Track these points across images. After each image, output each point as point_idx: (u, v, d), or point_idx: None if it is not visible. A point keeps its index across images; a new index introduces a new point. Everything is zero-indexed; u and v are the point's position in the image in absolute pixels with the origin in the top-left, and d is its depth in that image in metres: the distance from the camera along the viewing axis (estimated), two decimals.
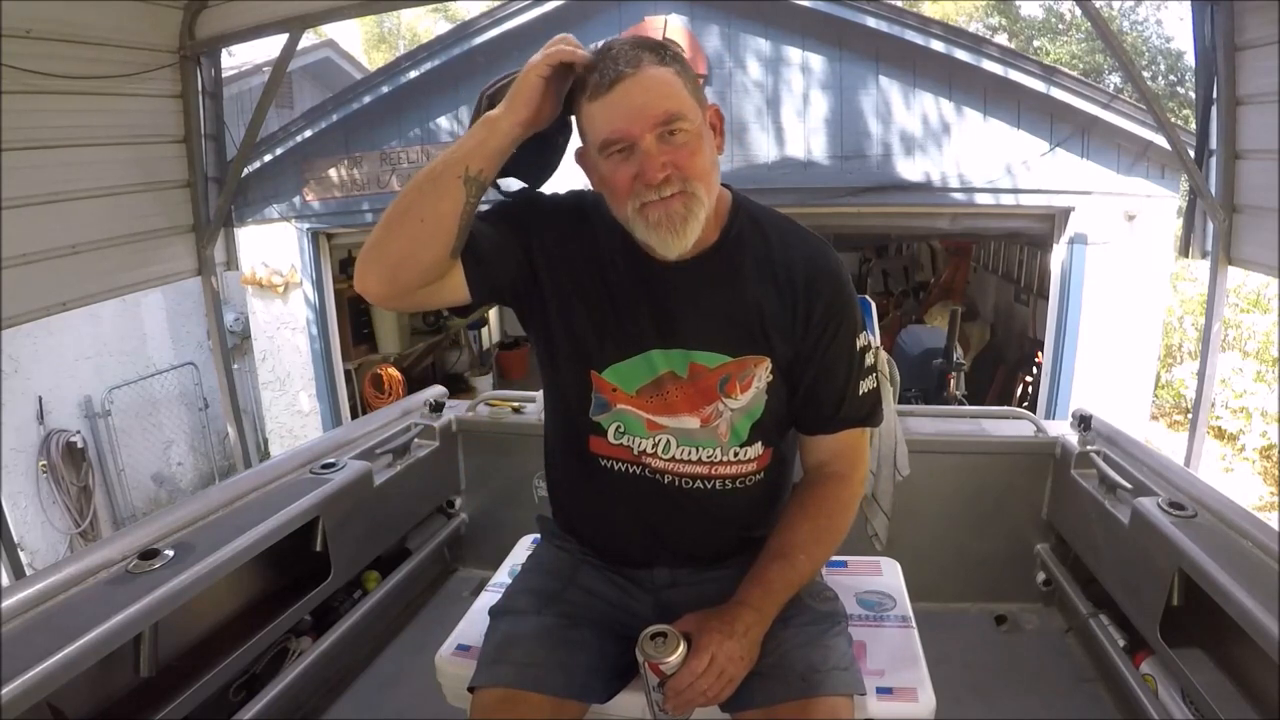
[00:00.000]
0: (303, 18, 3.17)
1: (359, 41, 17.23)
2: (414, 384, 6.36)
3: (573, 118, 0.98)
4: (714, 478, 1.07)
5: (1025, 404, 5.69)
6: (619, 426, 1.06)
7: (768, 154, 4.82)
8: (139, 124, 3.17)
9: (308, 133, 5.26)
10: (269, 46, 4.71)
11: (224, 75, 3.58)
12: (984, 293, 8.13)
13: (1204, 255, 3.12)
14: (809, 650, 1.03)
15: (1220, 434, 6.49)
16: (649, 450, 1.06)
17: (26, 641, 1.18)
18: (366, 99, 5.16)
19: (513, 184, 1.05)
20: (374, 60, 14.60)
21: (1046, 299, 5.11)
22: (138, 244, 3.29)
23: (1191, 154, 3.07)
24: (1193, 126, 3.14)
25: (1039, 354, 5.49)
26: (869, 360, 1.09)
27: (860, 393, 1.07)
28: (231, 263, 3.85)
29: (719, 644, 0.94)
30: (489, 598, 1.30)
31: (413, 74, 5.05)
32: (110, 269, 3.19)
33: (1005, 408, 3.06)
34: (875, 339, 1.35)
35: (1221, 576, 1.33)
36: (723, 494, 1.08)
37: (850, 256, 9.88)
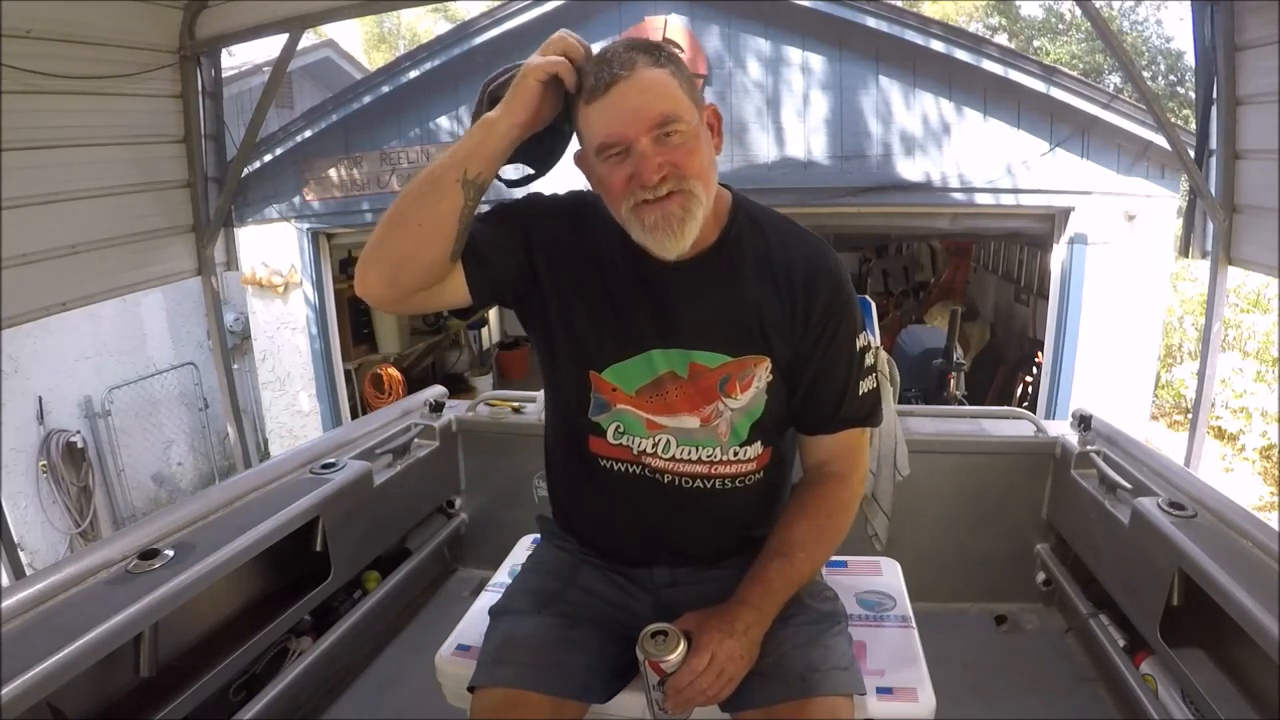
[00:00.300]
0: (303, 18, 3.17)
1: (359, 41, 17.24)
2: (414, 384, 6.36)
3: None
4: (714, 477, 1.07)
5: (1025, 404, 5.69)
6: (618, 426, 1.06)
7: (768, 154, 4.82)
8: (139, 124, 3.17)
9: (308, 133, 5.26)
10: (269, 46, 4.71)
11: (224, 75, 3.58)
12: (984, 293, 8.13)
13: (1204, 255, 3.12)
14: (809, 650, 1.03)
15: (1220, 434, 6.49)
16: (649, 450, 1.06)
17: (26, 641, 1.18)
18: (366, 99, 5.16)
19: (509, 171, 1.04)
20: (374, 60, 14.60)
21: (1046, 299, 5.11)
22: (138, 244, 3.29)
23: (1191, 154, 3.07)
24: (1193, 126, 3.14)
25: (1039, 354, 5.49)
26: (869, 360, 1.09)
27: (860, 393, 1.07)
28: (231, 263, 3.85)
29: (719, 643, 0.94)
30: (489, 598, 1.30)
31: (413, 74, 5.05)
32: (110, 269, 3.19)
33: (1005, 408, 3.06)
34: (875, 339, 1.35)
35: (1221, 576, 1.33)
36: (722, 493, 1.08)
37: (850, 256, 9.88)
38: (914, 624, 1.31)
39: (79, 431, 5.71)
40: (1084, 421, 2.05)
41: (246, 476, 1.83)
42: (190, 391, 6.77)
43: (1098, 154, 4.52)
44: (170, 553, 1.43)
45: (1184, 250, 3.29)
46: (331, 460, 1.93)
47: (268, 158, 5.28)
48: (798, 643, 1.04)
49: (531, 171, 1.06)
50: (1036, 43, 14.23)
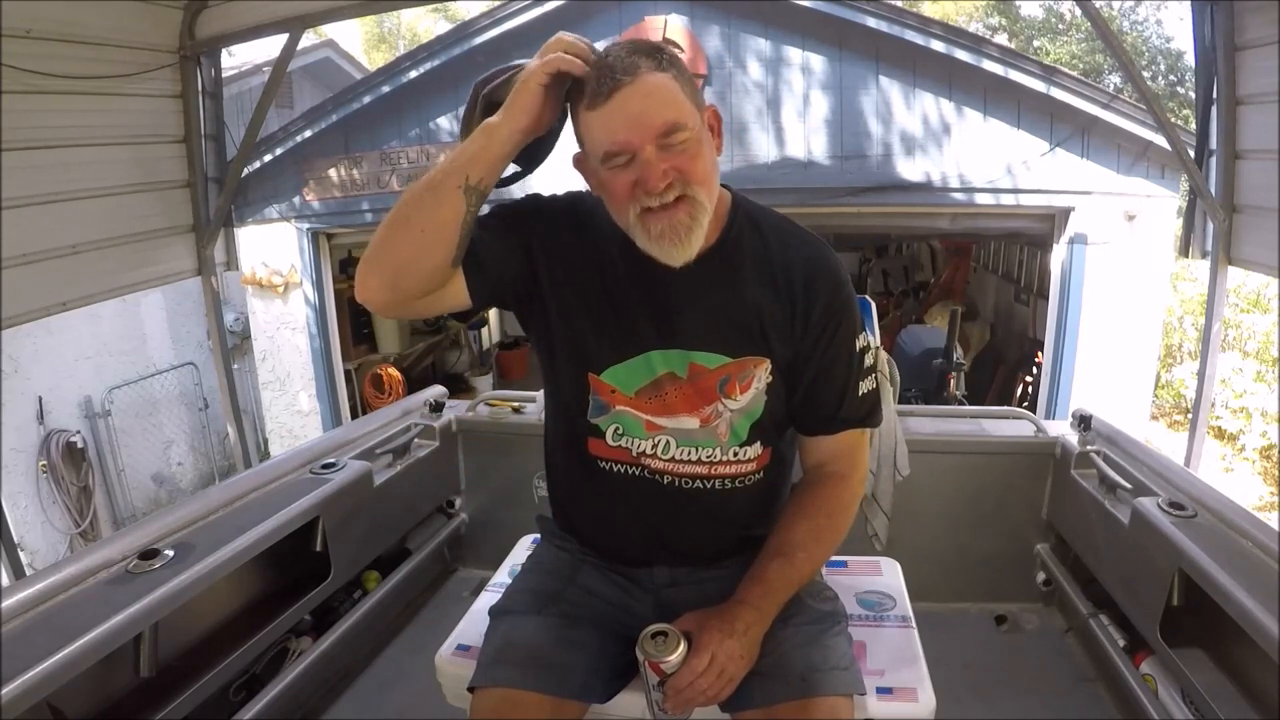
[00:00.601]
0: (303, 18, 3.17)
1: (359, 41, 17.24)
2: (414, 384, 6.36)
3: (567, 105, 0.97)
4: (713, 477, 1.07)
5: (1025, 404, 5.69)
6: (617, 428, 1.06)
7: (768, 154, 4.82)
8: (139, 124, 3.17)
9: (308, 133, 5.26)
10: (269, 46, 4.71)
11: (224, 75, 3.58)
12: (984, 293, 8.13)
13: (1204, 255, 3.12)
14: (809, 650, 1.03)
15: (1220, 434, 6.49)
16: (648, 451, 1.06)
17: (26, 641, 1.18)
18: (366, 99, 5.16)
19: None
20: (374, 60, 14.60)
21: (1046, 299, 5.11)
22: (138, 244, 3.29)
23: (1191, 154, 3.07)
24: (1193, 126, 3.14)
25: (1039, 354, 5.49)
26: (869, 361, 1.08)
27: (860, 393, 1.07)
28: (231, 263, 3.85)
29: (719, 643, 0.94)
30: (489, 598, 1.30)
31: (413, 74, 5.05)
32: (110, 269, 3.19)
33: (1005, 408, 3.06)
34: (875, 339, 1.35)
35: (1221, 576, 1.33)
36: (722, 494, 1.08)
37: (850, 256, 9.88)
38: (914, 624, 1.31)
39: (79, 431, 5.71)
40: (1084, 421, 2.05)
41: (246, 476, 1.83)
42: (190, 391, 6.77)
43: (1098, 154, 4.52)
44: (170, 553, 1.43)
45: (1184, 250, 3.29)
46: (331, 460, 1.93)
47: (268, 158, 5.28)
48: (798, 643, 1.04)
49: (519, 169, 1.05)
50: (1036, 43, 14.23)
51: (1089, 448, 1.94)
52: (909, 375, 5.09)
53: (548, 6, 4.70)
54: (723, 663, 0.94)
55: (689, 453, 1.06)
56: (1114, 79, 12.35)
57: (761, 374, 1.04)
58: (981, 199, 4.73)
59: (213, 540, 1.51)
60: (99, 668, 1.25)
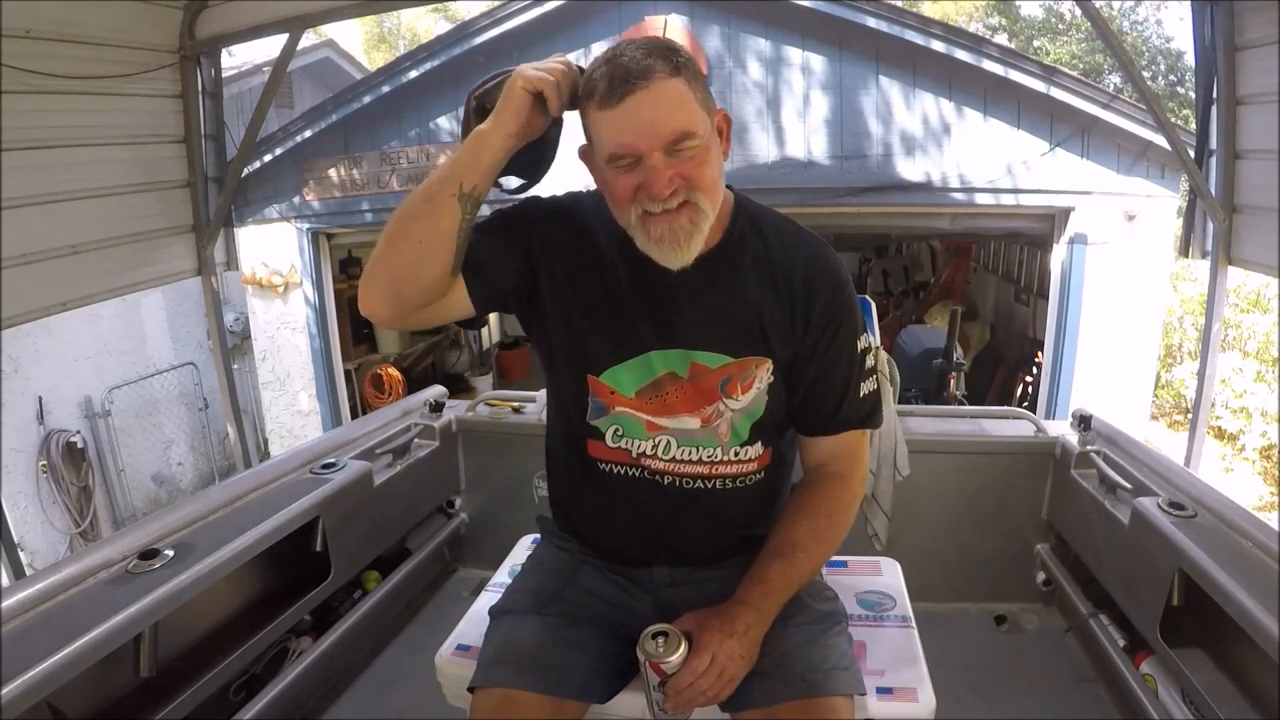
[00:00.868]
0: (303, 18, 3.17)
1: (359, 41, 17.24)
2: (414, 384, 6.37)
3: (565, 115, 0.96)
4: (714, 477, 1.07)
5: (1025, 404, 5.69)
6: (617, 429, 1.06)
7: (768, 154, 4.82)
8: (139, 124, 3.17)
9: (308, 133, 5.26)
10: (269, 46, 4.71)
11: (224, 75, 3.58)
12: (984, 293, 8.13)
13: (1204, 255, 3.12)
14: (809, 650, 1.03)
15: (1220, 434, 6.49)
16: (648, 452, 1.06)
17: (26, 641, 1.18)
18: (366, 99, 5.16)
19: (512, 180, 1.04)
20: (374, 60, 14.60)
21: (1046, 299, 5.11)
22: (138, 244, 3.29)
23: (1191, 154, 3.07)
24: (1193, 126, 3.14)
25: (1039, 354, 5.49)
26: (870, 362, 1.08)
27: (860, 394, 1.07)
28: (231, 263, 3.85)
29: (720, 643, 0.94)
30: (489, 598, 1.30)
31: (413, 74, 5.06)
32: (110, 269, 3.19)
33: (1005, 408, 3.06)
34: (875, 339, 1.35)
35: (1221, 576, 1.33)
36: (723, 493, 1.08)
37: (850, 256, 9.88)
38: (914, 624, 1.30)
39: (79, 431, 5.71)
40: (1084, 421, 2.05)
41: (246, 476, 1.83)
42: (190, 391, 6.77)
43: (1098, 154, 4.53)
44: (170, 553, 1.43)
45: (1184, 250, 3.29)
46: (331, 460, 1.93)
47: (268, 158, 5.28)
48: (798, 643, 1.04)
49: (524, 182, 1.05)
50: (1036, 43, 14.23)
51: (1089, 448, 1.94)
52: (909, 375, 5.09)
53: (548, 6, 4.70)
54: (723, 663, 0.94)
55: (690, 453, 1.06)
56: (1114, 79, 12.36)
57: (763, 374, 1.04)
58: (981, 199, 4.73)
59: (213, 540, 1.51)
60: (99, 668, 1.25)
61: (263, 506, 1.68)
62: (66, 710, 1.27)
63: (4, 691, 1.06)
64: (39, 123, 2.72)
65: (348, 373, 6.12)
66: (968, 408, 3.97)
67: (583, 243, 1.03)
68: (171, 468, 6.70)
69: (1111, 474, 1.81)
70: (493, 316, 8.90)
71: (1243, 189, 2.87)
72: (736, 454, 1.07)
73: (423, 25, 17.68)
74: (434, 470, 2.29)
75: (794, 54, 4.69)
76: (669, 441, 1.05)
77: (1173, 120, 3.98)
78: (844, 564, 1.48)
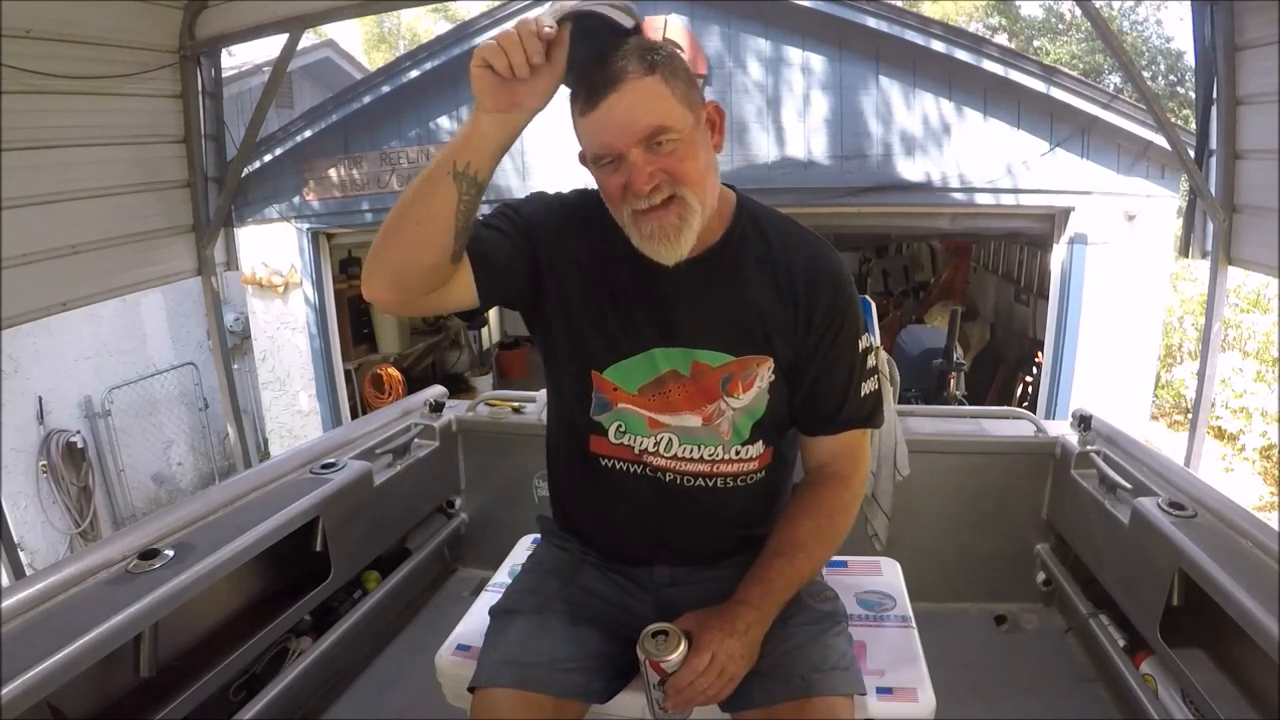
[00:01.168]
0: (303, 18, 3.18)
1: (359, 41, 17.24)
2: (414, 384, 6.37)
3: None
4: (715, 476, 1.07)
5: (1025, 404, 5.69)
6: (620, 426, 1.06)
7: (768, 154, 4.82)
8: (139, 124, 3.17)
9: (308, 133, 5.26)
10: (269, 46, 4.71)
11: (224, 75, 3.58)
12: (984, 293, 8.13)
13: (1204, 255, 3.12)
14: (809, 650, 1.03)
15: (1220, 434, 6.49)
16: (650, 449, 1.06)
17: (26, 641, 1.18)
18: (366, 99, 5.16)
19: None
20: (374, 60, 14.61)
21: (1046, 299, 5.11)
22: (138, 244, 3.29)
23: (1191, 154, 3.07)
24: (1193, 126, 3.14)
25: (1039, 354, 5.49)
26: (871, 362, 1.08)
27: (862, 394, 1.07)
28: (231, 263, 3.85)
29: (720, 642, 0.94)
30: (489, 598, 1.30)
31: (413, 74, 5.05)
32: (110, 269, 3.19)
33: (1005, 408, 3.06)
34: (876, 339, 1.35)
35: (1221, 576, 1.33)
36: (724, 492, 1.08)
37: (850, 256, 9.88)
38: (914, 624, 1.31)
39: (79, 431, 5.71)
40: (1084, 421, 2.05)
41: (246, 476, 1.83)
42: (190, 391, 6.77)
43: (1098, 154, 4.52)
44: (170, 553, 1.43)
45: (1184, 250, 3.29)
46: (331, 460, 1.93)
47: (268, 158, 5.28)
48: (798, 643, 1.04)
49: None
50: (1036, 43, 14.24)
51: (1089, 448, 1.94)
52: (909, 375, 5.09)
53: (547, 6, 4.69)
54: (723, 662, 0.94)
55: (691, 450, 1.06)
56: (1114, 79, 12.36)
57: (764, 373, 1.04)
58: (981, 199, 4.73)
59: (213, 540, 1.51)
60: (99, 668, 1.25)
61: (263, 506, 1.68)
62: (66, 710, 1.27)
63: (4, 691, 1.06)
64: (39, 123, 2.72)
65: (348, 373, 6.12)
66: (968, 408, 3.97)
67: (589, 239, 1.04)
68: (171, 468, 6.70)
69: (1111, 474, 1.81)
70: (493, 316, 8.91)
71: (1243, 189, 2.87)
72: (738, 453, 1.07)
73: (423, 25, 17.69)
74: (434, 470, 2.29)
75: (794, 54, 4.69)
76: (671, 439, 1.05)
77: (1173, 120, 3.98)
78: (844, 564, 1.48)
